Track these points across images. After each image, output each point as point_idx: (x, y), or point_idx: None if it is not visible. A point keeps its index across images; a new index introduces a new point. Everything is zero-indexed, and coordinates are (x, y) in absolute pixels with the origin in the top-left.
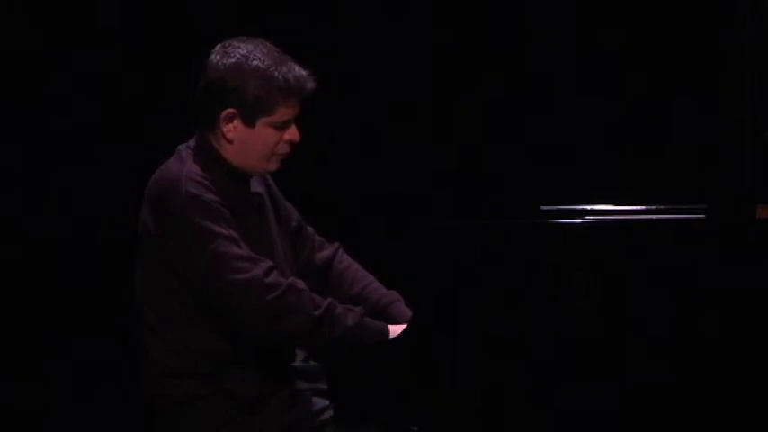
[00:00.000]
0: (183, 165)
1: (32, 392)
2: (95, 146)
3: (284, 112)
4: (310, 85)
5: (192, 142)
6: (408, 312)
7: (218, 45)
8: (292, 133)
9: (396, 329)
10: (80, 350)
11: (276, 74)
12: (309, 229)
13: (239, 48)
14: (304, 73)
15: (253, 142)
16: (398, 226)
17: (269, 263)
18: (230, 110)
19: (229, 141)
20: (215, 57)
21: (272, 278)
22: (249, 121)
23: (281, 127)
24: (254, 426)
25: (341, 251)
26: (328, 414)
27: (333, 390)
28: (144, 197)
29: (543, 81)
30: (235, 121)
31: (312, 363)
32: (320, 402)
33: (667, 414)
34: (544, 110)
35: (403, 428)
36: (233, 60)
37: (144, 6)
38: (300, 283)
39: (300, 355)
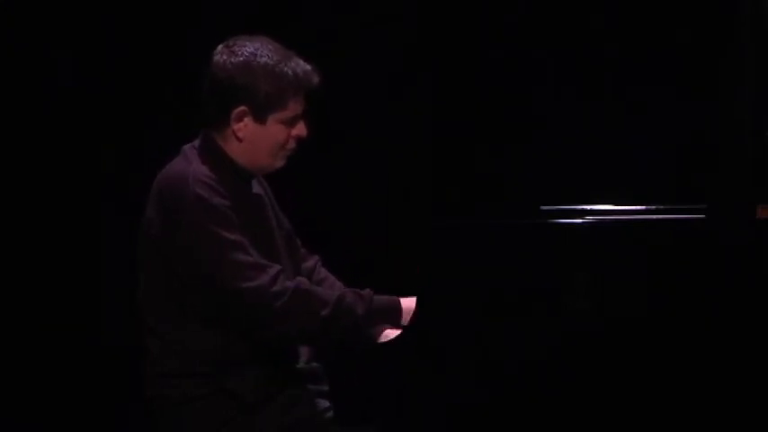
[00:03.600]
0: (189, 164)
1: (33, 392)
2: (97, 145)
3: (294, 108)
4: (316, 79)
5: (196, 142)
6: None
7: (221, 45)
8: (300, 129)
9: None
10: (80, 350)
11: (286, 69)
12: (297, 239)
13: (245, 46)
14: (309, 67)
15: (264, 139)
16: (398, 226)
17: (276, 268)
18: (241, 108)
19: (240, 140)
20: (221, 57)
21: (279, 285)
22: (260, 118)
23: (291, 123)
24: (253, 426)
25: (320, 263)
26: (328, 415)
27: (333, 390)
28: (149, 197)
29: (544, 81)
30: (246, 119)
31: (314, 364)
32: (321, 403)
33: (667, 414)
34: (544, 110)
35: (403, 428)
36: (241, 59)
37: (144, 6)
38: (306, 283)
39: (303, 355)
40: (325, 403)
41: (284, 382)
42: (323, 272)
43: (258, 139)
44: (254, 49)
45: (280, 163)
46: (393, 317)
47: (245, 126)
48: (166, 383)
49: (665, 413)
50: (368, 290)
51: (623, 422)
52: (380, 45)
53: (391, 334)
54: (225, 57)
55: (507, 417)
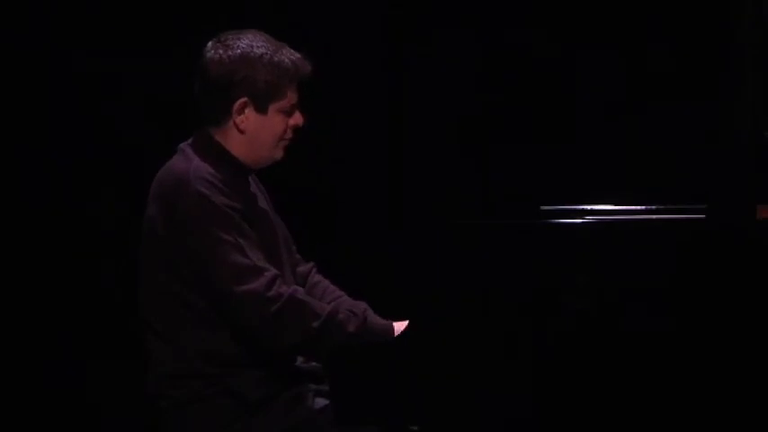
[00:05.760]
0: (189, 162)
1: (35, 392)
2: (95, 146)
3: (291, 97)
4: (309, 67)
5: (191, 141)
6: (377, 319)
7: (211, 42)
8: (297, 118)
9: (400, 326)
10: (83, 350)
11: (282, 58)
12: (293, 243)
13: (239, 39)
14: (300, 56)
15: (265, 129)
16: (399, 226)
17: (273, 273)
18: (242, 100)
19: (242, 132)
20: (215, 53)
21: (273, 291)
22: (262, 109)
23: (289, 112)
24: (257, 426)
25: (315, 269)
26: (329, 414)
27: (333, 390)
28: (150, 196)
29: (543, 81)
30: (247, 111)
31: (314, 364)
32: (322, 403)
33: (667, 414)
34: (544, 110)
35: (403, 428)
36: (238, 51)
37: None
38: (301, 293)
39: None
40: (325, 403)
41: (286, 381)
42: (317, 277)
43: (260, 130)
44: (249, 41)
45: (279, 154)
46: (382, 337)
47: (246, 118)
48: (171, 384)
49: (665, 413)
50: (363, 309)
51: (624, 422)
52: (380, 44)
53: (399, 327)
54: (220, 52)
55: (507, 416)
